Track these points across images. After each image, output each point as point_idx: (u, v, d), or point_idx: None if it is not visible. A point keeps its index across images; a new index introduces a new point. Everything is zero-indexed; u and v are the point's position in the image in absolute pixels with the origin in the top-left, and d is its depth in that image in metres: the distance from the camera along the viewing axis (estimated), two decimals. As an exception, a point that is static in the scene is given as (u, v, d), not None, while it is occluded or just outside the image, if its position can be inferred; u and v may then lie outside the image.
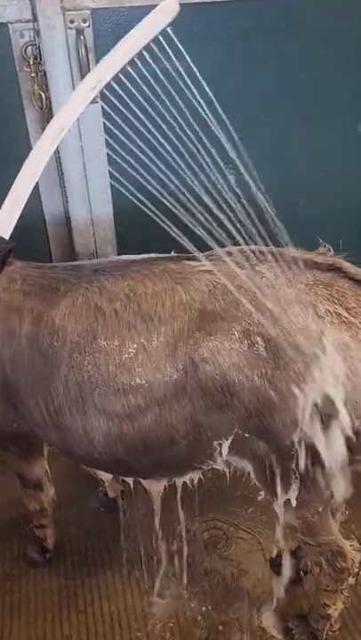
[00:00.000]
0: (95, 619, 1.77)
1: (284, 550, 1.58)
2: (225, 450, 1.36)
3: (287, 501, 1.37)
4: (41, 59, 1.99)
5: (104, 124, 1.32)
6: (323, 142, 2.32)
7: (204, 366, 1.28)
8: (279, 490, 1.36)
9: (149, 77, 1.23)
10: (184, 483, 1.54)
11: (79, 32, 1.94)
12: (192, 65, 1.19)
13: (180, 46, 1.18)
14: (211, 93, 1.20)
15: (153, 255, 1.48)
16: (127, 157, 1.25)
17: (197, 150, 1.22)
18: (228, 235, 1.19)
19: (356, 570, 1.55)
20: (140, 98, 1.23)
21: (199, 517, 2.03)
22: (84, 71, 1.96)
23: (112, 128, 1.24)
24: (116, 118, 1.24)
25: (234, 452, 1.37)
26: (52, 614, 1.79)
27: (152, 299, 1.35)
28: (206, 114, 1.19)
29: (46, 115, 2.05)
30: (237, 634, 1.70)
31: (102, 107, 1.29)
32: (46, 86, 2.01)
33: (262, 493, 1.44)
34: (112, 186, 2.16)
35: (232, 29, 2.07)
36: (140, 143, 1.23)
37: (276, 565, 1.83)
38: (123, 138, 1.25)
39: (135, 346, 1.32)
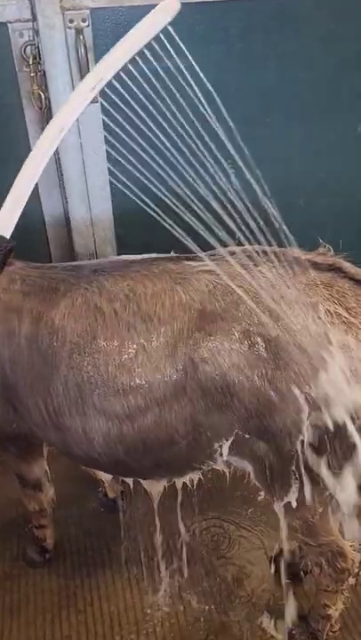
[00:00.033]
0: (95, 619, 1.77)
1: (284, 551, 1.58)
2: (225, 450, 1.36)
3: (287, 502, 1.37)
4: (40, 58, 1.98)
5: (103, 121, 1.32)
6: (323, 142, 2.32)
7: (203, 366, 1.28)
8: (280, 491, 1.36)
9: (149, 75, 1.23)
10: (184, 483, 1.54)
11: (78, 32, 1.94)
12: (193, 63, 1.19)
13: (180, 44, 1.18)
14: (212, 92, 1.20)
15: (153, 255, 1.48)
16: (126, 155, 1.25)
17: (197, 148, 1.22)
18: (229, 234, 1.19)
19: (357, 570, 1.54)
20: (138, 95, 1.23)
21: (199, 517, 2.03)
22: (83, 71, 1.95)
23: (111, 125, 1.24)
24: (116, 115, 1.24)
25: (234, 452, 1.37)
26: (51, 614, 1.79)
27: (152, 299, 1.34)
28: (206, 111, 1.19)
29: (46, 115, 2.04)
30: (237, 634, 1.70)
31: (101, 104, 1.29)
32: (46, 86, 2.01)
33: (262, 493, 1.44)
34: (111, 184, 2.16)
35: (232, 29, 2.07)
36: (139, 140, 1.23)
37: (276, 565, 1.83)
38: (122, 135, 1.25)
39: (135, 346, 1.32)
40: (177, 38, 1.19)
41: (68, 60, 1.97)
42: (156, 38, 1.21)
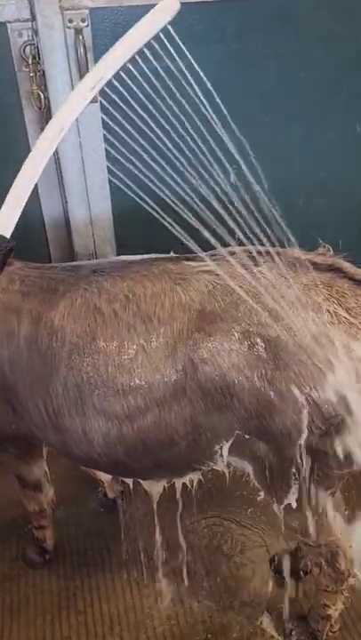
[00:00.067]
0: (95, 620, 1.77)
1: (284, 551, 1.58)
2: (225, 451, 1.36)
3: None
4: (39, 58, 1.98)
5: (102, 119, 1.32)
6: (323, 142, 2.32)
7: (203, 367, 1.28)
8: (279, 492, 1.35)
9: (148, 74, 1.23)
10: (184, 483, 1.54)
11: (78, 31, 1.94)
12: (193, 63, 1.19)
13: (180, 44, 1.18)
14: (212, 91, 1.20)
15: (152, 256, 1.48)
16: (125, 153, 1.25)
17: (197, 147, 1.22)
18: (229, 233, 1.19)
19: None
20: (137, 94, 1.23)
21: (199, 516, 2.02)
22: (82, 71, 1.95)
23: (110, 124, 1.24)
24: (115, 114, 1.24)
25: (234, 452, 1.37)
26: (51, 615, 1.79)
27: (151, 299, 1.34)
28: (207, 110, 1.19)
29: (45, 115, 2.04)
30: (237, 634, 1.70)
31: (101, 102, 1.29)
32: (45, 86, 2.00)
33: (262, 494, 1.44)
34: (111, 182, 2.16)
35: (232, 29, 2.07)
36: (138, 139, 1.23)
37: (276, 565, 1.83)
38: (121, 133, 1.25)
39: (134, 347, 1.32)
40: (176, 38, 1.19)
41: (68, 59, 1.97)
42: (156, 38, 1.21)
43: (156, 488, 1.57)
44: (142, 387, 1.32)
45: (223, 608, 1.77)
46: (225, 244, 1.23)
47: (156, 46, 1.21)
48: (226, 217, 1.19)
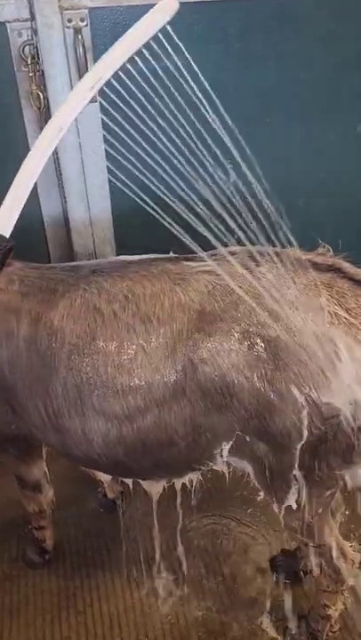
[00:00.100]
0: (94, 620, 1.77)
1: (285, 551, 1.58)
2: (225, 451, 1.35)
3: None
4: (39, 58, 1.98)
5: (102, 120, 1.31)
6: (323, 142, 2.32)
7: (203, 367, 1.27)
8: (279, 492, 1.35)
9: (148, 74, 1.23)
10: (183, 484, 1.54)
11: (77, 31, 1.94)
12: (192, 63, 1.18)
13: (179, 44, 1.17)
14: (210, 91, 1.20)
15: (152, 256, 1.47)
16: (125, 153, 1.24)
17: (196, 147, 1.22)
18: (229, 233, 1.19)
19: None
20: (137, 94, 1.23)
21: (199, 516, 2.02)
22: (82, 70, 1.95)
23: (110, 124, 1.24)
24: (114, 114, 1.23)
25: (234, 452, 1.37)
26: (51, 615, 1.79)
27: (151, 300, 1.34)
28: (206, 110, 1.19)
29: (44, 114, 2.04)
30: (237, 634, 1.69)
31: (100, 103, 1.29)
32: (44, 86, 2.00)
33: (262, 494, 1.44)
34: (110, 182, 2.16)
35: (231, 29, 2.06)
36: (137, 139, 1.23)
37: (276, 566, 1.83)
38: (121, 134, 1.25)
39: (134, 347, 1.32)
40: (175, 38, 1.18)
41: (67, 59, 1.97)
42: (155, 38, 1.21)
43: (155, 488, 1.57)
44: (142, 387, 1.32)
45: (223, 608, 1.77)
46: (225, 244, 1.23)
47: (155, 46, 1.20)
48: (225, 217, 1.19)
